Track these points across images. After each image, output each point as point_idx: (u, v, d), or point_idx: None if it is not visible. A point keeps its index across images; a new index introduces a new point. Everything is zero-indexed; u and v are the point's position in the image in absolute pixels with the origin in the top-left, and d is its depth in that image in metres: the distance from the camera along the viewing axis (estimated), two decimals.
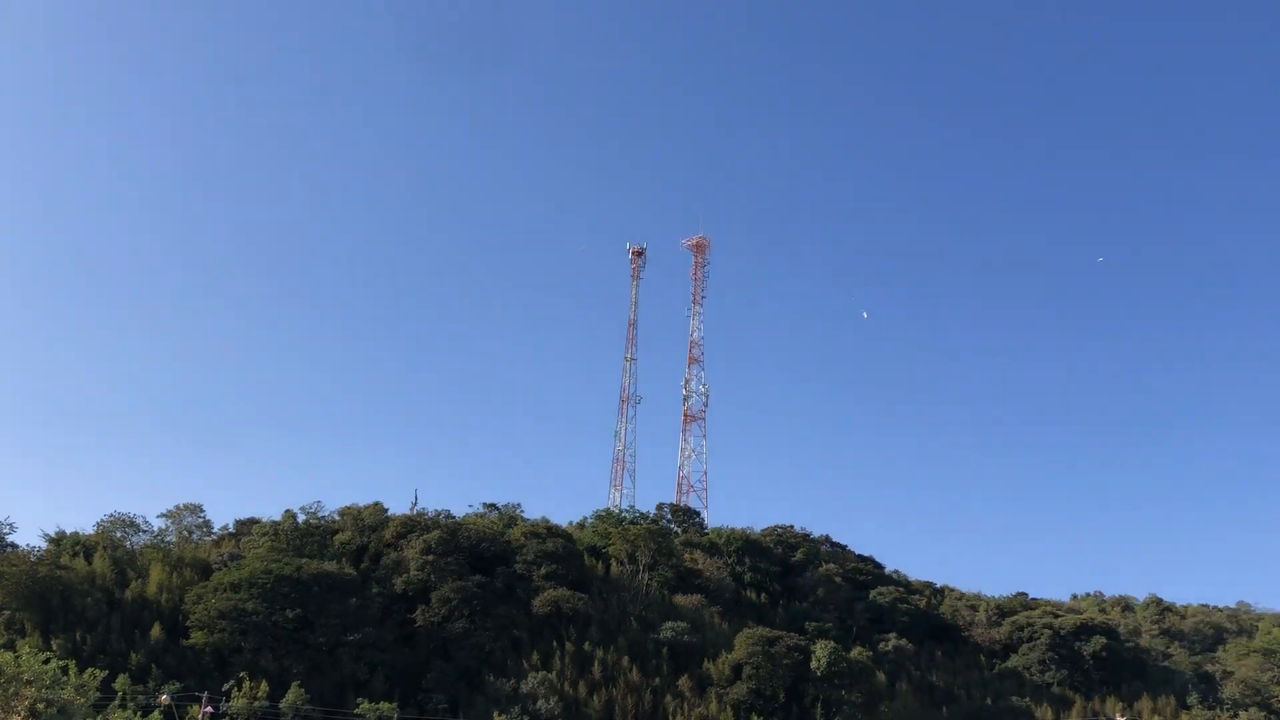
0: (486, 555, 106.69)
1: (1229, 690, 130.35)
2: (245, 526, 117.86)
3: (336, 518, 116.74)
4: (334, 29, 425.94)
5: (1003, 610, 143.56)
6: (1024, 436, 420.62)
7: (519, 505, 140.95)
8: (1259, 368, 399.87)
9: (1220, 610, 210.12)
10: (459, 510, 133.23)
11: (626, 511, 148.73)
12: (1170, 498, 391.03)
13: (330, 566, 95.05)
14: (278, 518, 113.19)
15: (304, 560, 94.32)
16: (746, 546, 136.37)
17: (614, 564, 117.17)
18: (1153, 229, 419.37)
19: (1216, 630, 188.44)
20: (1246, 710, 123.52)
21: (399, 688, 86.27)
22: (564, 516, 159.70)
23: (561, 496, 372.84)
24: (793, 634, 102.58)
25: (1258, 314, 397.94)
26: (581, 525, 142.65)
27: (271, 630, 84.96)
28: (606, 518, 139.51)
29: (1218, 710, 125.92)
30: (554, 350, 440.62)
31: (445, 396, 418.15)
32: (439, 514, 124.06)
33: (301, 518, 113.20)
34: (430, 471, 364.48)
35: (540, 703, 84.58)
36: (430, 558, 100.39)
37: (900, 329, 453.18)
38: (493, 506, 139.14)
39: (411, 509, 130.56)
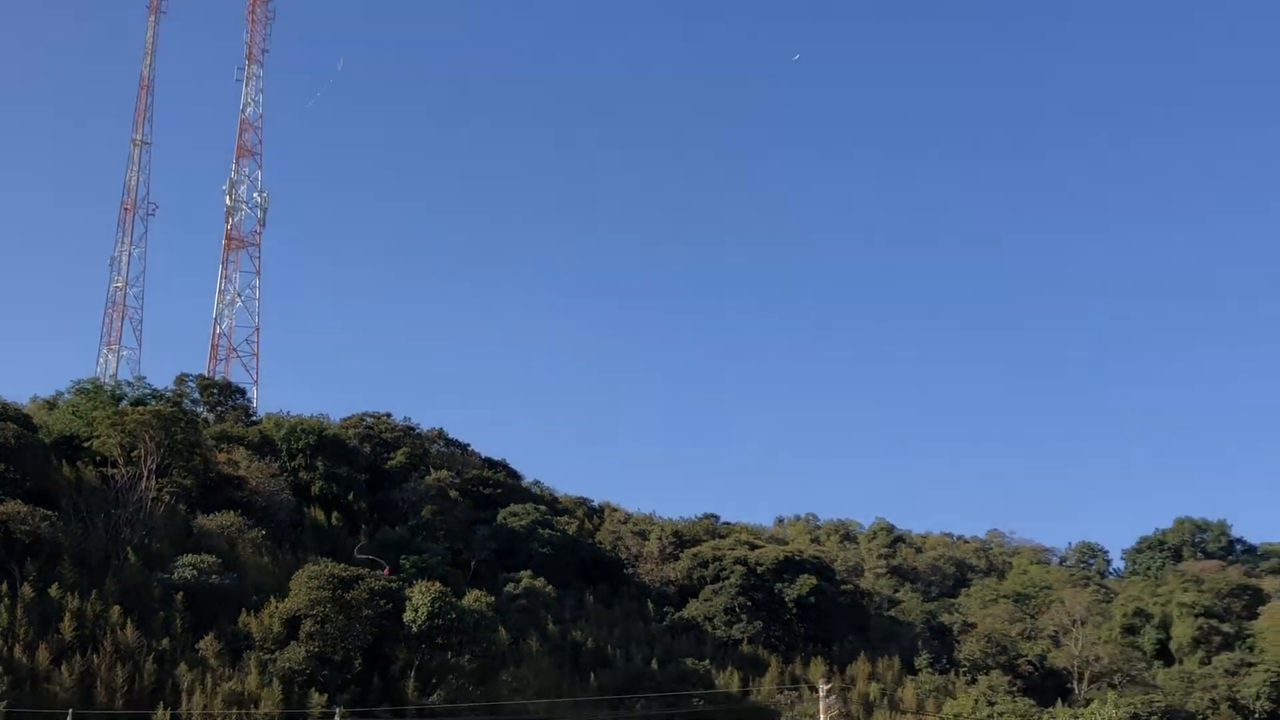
0: None
1: (969, 648, 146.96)
2: None
3: None
4: None
5: (682, 538, 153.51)
6: (706, 317, 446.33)
7: None
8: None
9: (967, 542, 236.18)
10: None
11: (128, 385, 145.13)
12: (902, 400, 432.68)
13: None
14: None
15: None
16: (318, 443, 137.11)
17: (102, 465, 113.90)
18: None
19: (960, 568, 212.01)
20: (988, 674, 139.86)
21: None
22: (20, 389, 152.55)
23: (15, 359, 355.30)
24: (382, 573, 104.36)
25: None
26: (51, 404, 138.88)
27: None
28: (93, 394, 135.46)
29: (951, 674, 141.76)
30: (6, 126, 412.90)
31: None
32: None
33: None
34: None
35: None
36: None
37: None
38: None
39: None
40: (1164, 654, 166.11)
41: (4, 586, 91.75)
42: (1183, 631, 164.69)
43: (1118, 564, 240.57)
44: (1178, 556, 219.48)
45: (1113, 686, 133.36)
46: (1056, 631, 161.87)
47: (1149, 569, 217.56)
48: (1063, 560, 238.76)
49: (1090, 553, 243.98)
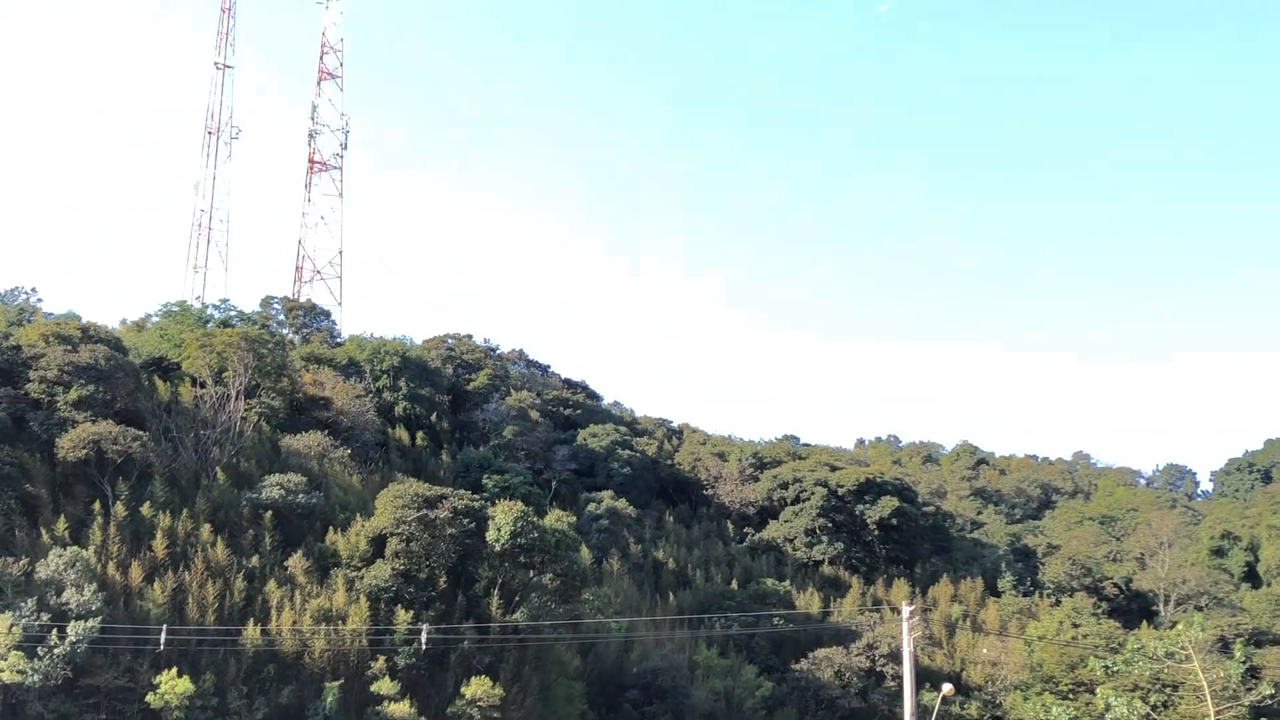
0: None
1: (1053, 570, 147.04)
2: None
3: None
4: None
5: (762, 460, 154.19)
6: (776, 237, 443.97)
7: (34, 293, 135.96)
8: None
9: (1052, 464, 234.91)
10: None
11: (214, 308, 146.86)
12: (983, 319, 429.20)
13: None
14: None
15: None
16: (402, 364, 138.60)
17: (190, 386, 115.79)
18: None
19: (1045, 490, 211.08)
20: (1072, 596, 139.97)
21: None
22: (111, 312, 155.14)
23: (108, 281, 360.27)
24: (464, 492, 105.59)
25: None
26: (140, 326, 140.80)
27: None
28: (181, 316, 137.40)
29: (1035, 596, 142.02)
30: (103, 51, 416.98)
31: None
32: None
33: None
34: None
35: (68, 593, 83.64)
36: None
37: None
38: None
39: None
40: (1252, 576, 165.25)
41: (97, 505, 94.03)
42: (1272, 554, 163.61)
43: (1206, 486, 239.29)
44: (1267, 478, 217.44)
45: (1199, 609, 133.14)
46: (1143, 554, 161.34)
47: (1238, 491, 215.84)
48: (1150, 482, 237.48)
49: (1178, 475, 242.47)
